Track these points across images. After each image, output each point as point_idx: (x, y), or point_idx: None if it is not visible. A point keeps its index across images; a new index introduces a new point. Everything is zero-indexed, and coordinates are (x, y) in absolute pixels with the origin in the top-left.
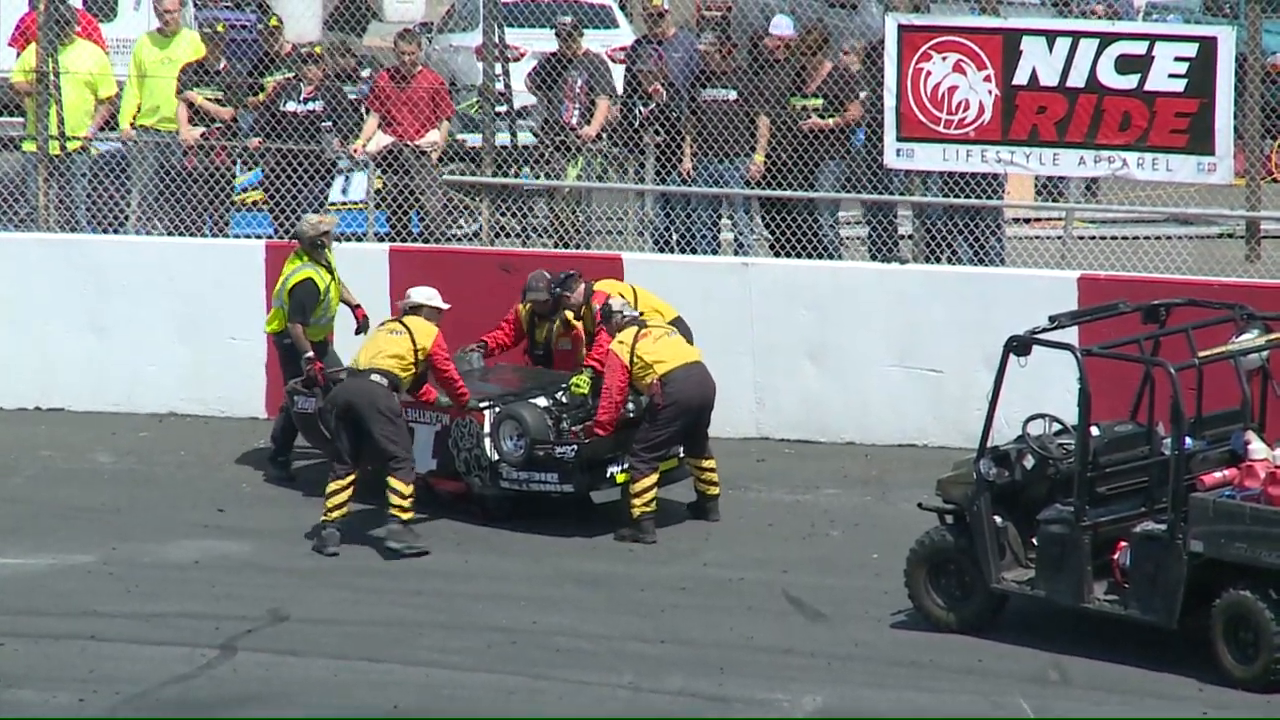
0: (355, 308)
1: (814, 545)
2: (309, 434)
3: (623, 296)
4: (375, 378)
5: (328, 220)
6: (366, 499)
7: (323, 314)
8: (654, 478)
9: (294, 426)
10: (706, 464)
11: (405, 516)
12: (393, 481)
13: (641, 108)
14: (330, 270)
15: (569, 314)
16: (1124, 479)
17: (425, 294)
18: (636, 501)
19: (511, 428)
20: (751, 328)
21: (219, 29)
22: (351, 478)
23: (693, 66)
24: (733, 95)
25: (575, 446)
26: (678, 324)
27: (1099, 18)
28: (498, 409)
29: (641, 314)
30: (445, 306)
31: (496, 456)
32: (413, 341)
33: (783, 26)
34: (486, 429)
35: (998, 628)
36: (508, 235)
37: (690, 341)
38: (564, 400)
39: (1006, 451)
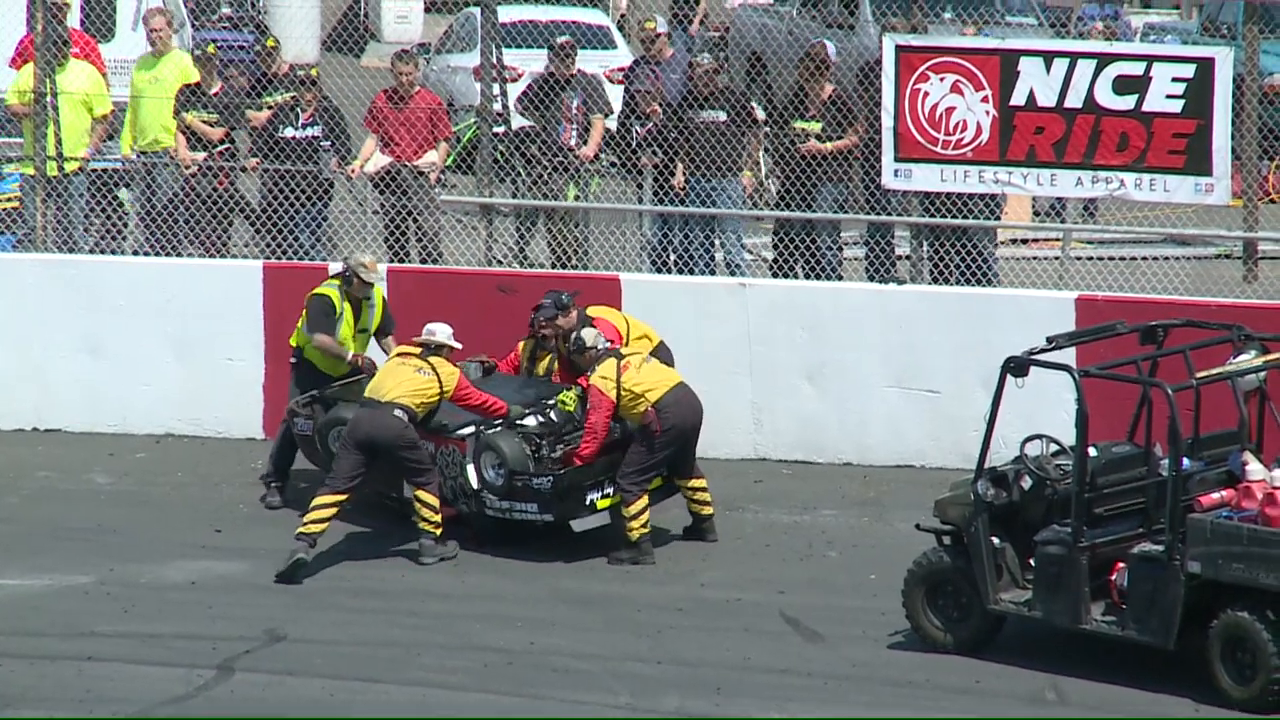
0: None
1: (811, 566)
2: (311, 454)
3: (614, 325)
4: (398, 413)
5: (368, 262)
6: (364, 520)
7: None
8: (645, 500)
9: (291, 451)
10: (697, 484)
11: (437, 531)
12: (423, 495)
13: (639, 128)
14: (356, 307)
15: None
16: (1121, 500)
17: (447, 333)
18: (633, 525)
19: (491, 458)
20: (749, 348)
21: (209, 51)
22: (341, 498)
23: (683, 90)
24: (723, 116)
25: (551, 478)
26: (660, 350)
27: (1098, 36)
28: (478, 437)
29: (611, 343)
30: (459, 346)
31: (479, 485)
32: (440, 385)
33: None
34: (469, 458)
35: (995, 648)
36: (501, 261)
37: (671, 366)
38: (553, 417)
39: (1004, 472)
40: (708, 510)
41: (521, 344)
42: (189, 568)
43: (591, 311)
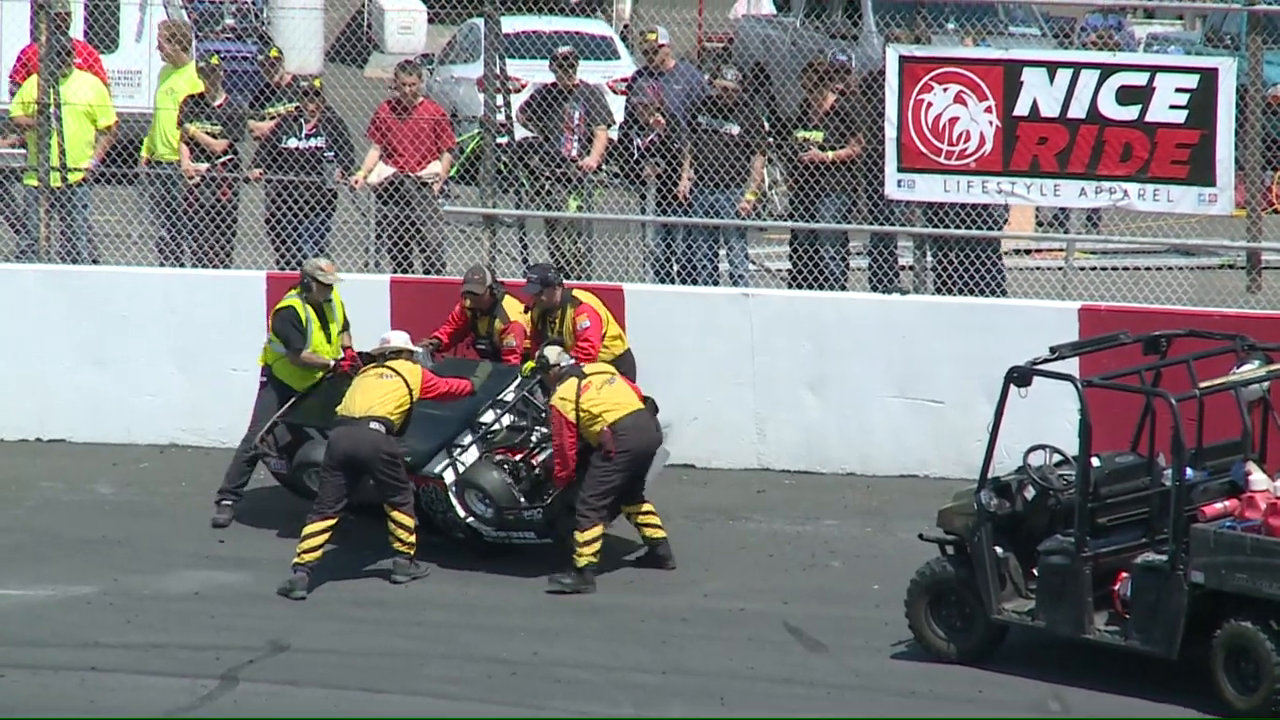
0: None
1: (815, 576)
2: (291, 490)
3: (598, 314)
4: (374, 425)
5: (325, 265)
6: (367, 530)
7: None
8: (601, 529)
9: (246, 467)
10: (646, 508)
11: (411, 552)
12: (397, 515)
13: (640, 139)
14: (321, 313)
15: (511, 309)
16: (1125, 510)
17: (404, 339)
18: (584, 550)
19: (476, 495)
20: (752, 358)
21: (213, 62)
22: (331, 523)
23: (694, 97)
24: (736, 129)
25: (541, 510)
26: (625, 358)
27: (1098, 47)
28: (455, 468)
29: (577, 361)
30: (419, 350)
31: (470, 519)
32: (407, 386)
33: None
34: (452, 495)
35: (998, 658)
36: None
37: (634, 376)
38: (520, 407)
39: (1007, 482)
40: (660, 534)
41: (459, 307)
42: (192, 578)
43: (578, 294)
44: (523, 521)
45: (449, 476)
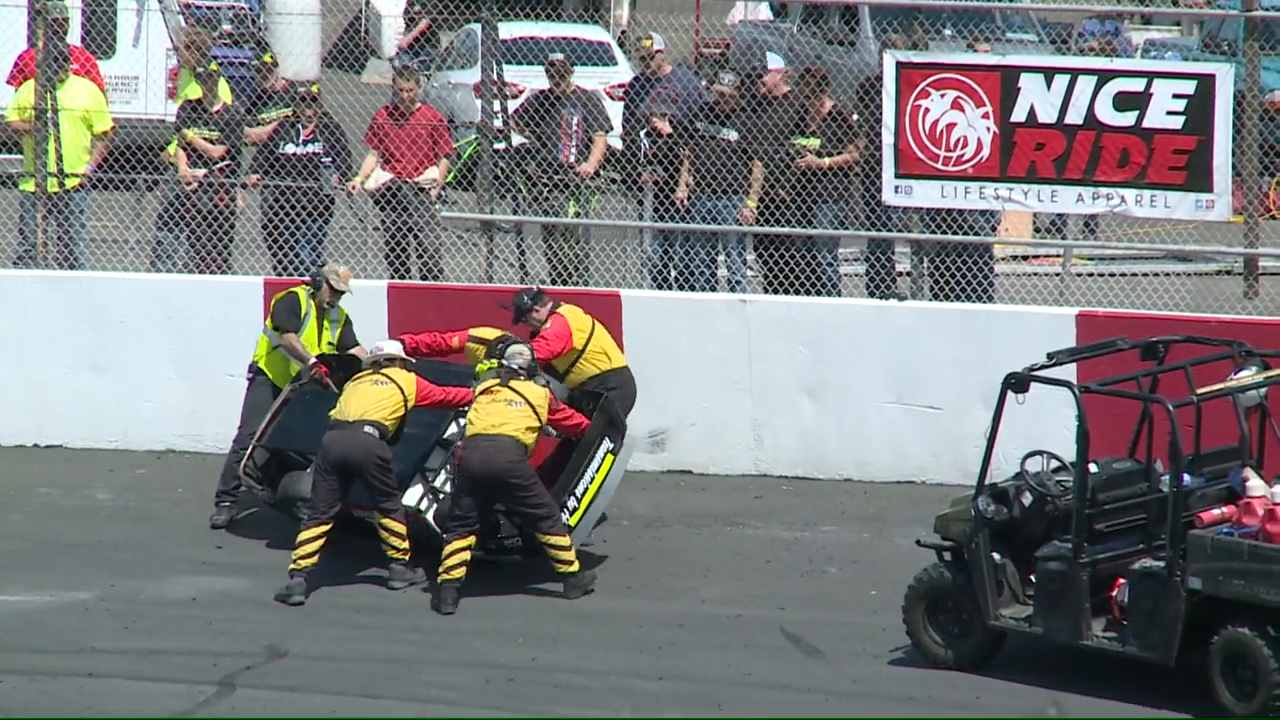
0: (321, 361)
1: (812, 582)
2: (283, 512)
3: (567, 331)
4: (368, 429)
5: (343, 272)
6: (365, 536)
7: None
8: (460, 543)
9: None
10: (548, 539)
11: (406, 558)
12: (389, 523)
13: (648, 143)
14: (321, 316)
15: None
16: (1122, 516)
17: (398, 347)
18: (440, 568)
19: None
20: (750, 365)
21: (212, 68)
22: (326, 528)
23: (692, 103)
24: (734, 135)
25: (519, 536)
26: (621, 376)
27: (1095, 53)
28: (436, 499)
29: (521, 369)
30: (413, 360)
31: None
32: (402, 393)
33: (776, 63)
34: (435, 527)
35: (995, 665)
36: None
37: (631, 397)
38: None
39: (1005, 488)
40: (561, 569)
41: (471, 346)
42: (190, 583)
43: (563, 309)
44: (504, 549)
45: (425, 505)
